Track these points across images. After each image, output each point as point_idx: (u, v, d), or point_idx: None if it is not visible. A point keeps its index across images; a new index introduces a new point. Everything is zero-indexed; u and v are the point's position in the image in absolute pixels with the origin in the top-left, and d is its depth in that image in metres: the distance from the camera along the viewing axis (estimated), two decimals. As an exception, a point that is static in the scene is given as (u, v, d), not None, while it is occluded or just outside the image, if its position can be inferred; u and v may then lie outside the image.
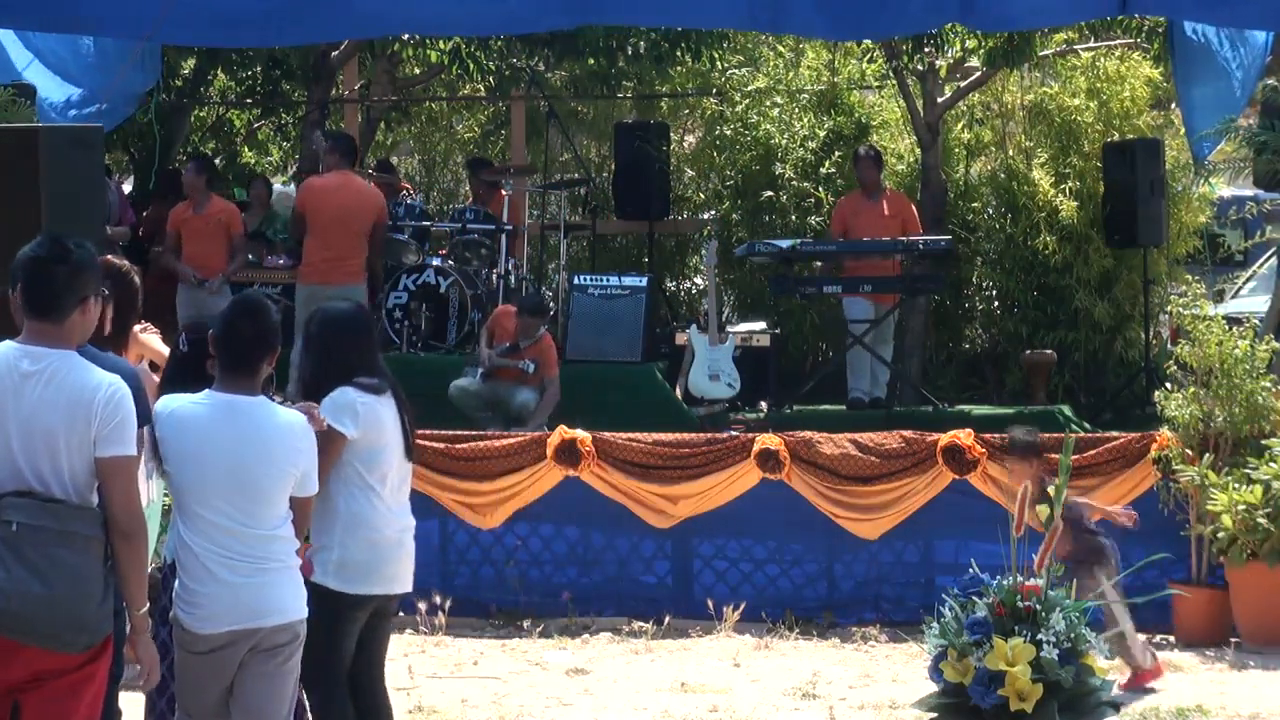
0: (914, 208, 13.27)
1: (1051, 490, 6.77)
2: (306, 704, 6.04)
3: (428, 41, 15.64)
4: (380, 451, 6.06)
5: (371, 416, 6.01)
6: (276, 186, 16.84)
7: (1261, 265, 15.86)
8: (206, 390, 5.45)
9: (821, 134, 14.84)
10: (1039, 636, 6.15)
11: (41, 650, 4.76)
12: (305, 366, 6.15)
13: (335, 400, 5.96)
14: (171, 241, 13.02)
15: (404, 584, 6.25)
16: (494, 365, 11.79)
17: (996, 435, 9.96)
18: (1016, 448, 8.75)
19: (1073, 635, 6.19)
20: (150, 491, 6.81)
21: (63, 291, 4.90)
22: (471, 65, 15.40)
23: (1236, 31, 12.20)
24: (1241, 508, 9.18)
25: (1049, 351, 13.65)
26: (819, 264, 13.26)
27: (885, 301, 12.83)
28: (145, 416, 5.36)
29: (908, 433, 10.09)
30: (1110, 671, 6.58)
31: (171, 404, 5.46)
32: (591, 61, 15.48)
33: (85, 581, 4.80)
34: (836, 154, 14.47)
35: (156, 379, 6.65)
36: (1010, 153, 14.72)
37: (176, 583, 5.39)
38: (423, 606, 9.65)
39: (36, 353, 4.89)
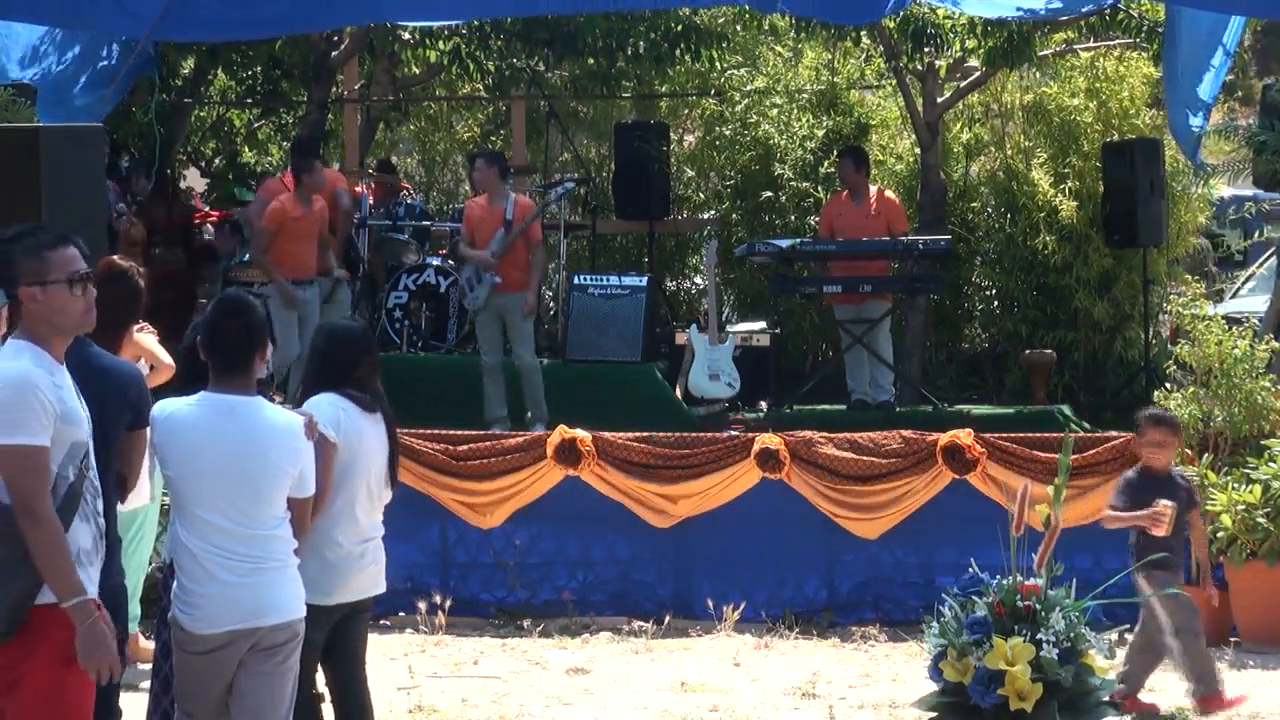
0: (902, 208, 13.16)
1: (1052, 490, 6.77)
2: None
3: (427, 41, 15.63)
4: (354, 464, 5.94)
5: (352, 426, 5.93)
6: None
7: (1261, 265, 15.86)
8: (202, 391, 5.43)
9: (821, 134, 14.83)
10: (1039, 636, 6.16)
11: None
12: (302, 372, 6.09)
13: (315, 404, 5.89)
14: (266, 240, 12.11)
15: (369, 589, 6.13)
16: (503, 251, 11.77)
17: (996, 435, 9.97)
18: (1166, 422, 8.28)
19: (1072, 635, 6.20)
20: (149, 490, 6.82)
21: None
22: (471, 65, 15.40)
23: (1197, 43, 12.16)
24: (1241, 507, 9.18)
25: (1049, 351, 13.64)
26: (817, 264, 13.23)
27: (873, 302, 12.71)
28: (145, 419, 5.38)
29: (908, 433, 10.09)
30: (1109, 671, 6.58)
31: (169, 406, 5.45)
32: (591, 61, 15.47)
33: None
34: (836, 154, 14.46)
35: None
36: (1009, 152, 14.72)
37: (175, 583, 5.39)
38: (423, 606, 9.67)
39: None
